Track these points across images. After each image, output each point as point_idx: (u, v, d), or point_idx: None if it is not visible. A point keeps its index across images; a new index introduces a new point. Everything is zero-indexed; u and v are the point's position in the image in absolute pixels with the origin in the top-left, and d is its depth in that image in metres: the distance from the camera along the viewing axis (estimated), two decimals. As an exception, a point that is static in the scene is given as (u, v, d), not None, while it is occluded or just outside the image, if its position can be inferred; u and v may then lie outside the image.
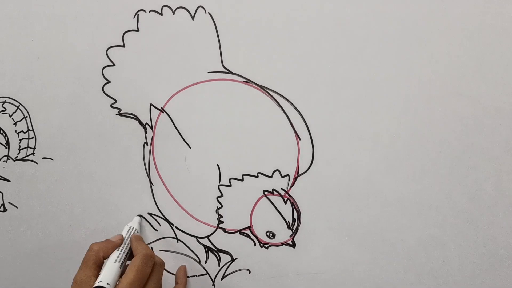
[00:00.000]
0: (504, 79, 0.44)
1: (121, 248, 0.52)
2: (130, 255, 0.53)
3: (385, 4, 0.46)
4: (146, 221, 0.60)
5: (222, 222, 0.57)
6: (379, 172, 0.50)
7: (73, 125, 0.60)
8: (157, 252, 0.61)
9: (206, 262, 0.60)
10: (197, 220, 0.58)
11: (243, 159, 0.54)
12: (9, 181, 0.65)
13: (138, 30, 0.54)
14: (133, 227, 0.57)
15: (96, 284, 0.46)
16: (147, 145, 0.58)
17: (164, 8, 0.52)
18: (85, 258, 0.49)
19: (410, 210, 0.50)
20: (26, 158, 0.63)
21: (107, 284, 0.46)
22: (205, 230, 0.59)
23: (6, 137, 0.63)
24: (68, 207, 0.63)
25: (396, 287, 0.53)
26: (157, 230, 0.60)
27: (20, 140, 0.62)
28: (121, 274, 0.49)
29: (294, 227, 0.55)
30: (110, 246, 0.51)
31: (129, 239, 0.54)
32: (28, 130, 0.62)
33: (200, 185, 0.57)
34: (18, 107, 0.61)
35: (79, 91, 0.58)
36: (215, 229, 0.58)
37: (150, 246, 0.61)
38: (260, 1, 0.49)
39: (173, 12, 0.52)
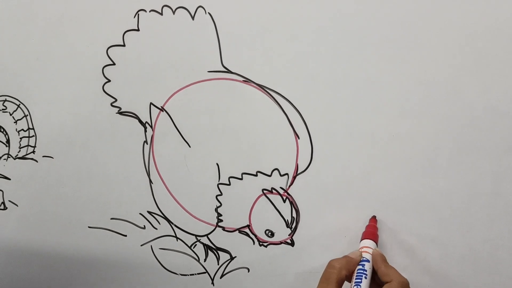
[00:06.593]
0: (503, 79, 0.45)
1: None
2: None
3: (384, 4, 0.46)
4: (145, 220, 0.61)
5: (221, 220, 0.57)
6: (377, 171, 0.50)
7: (73, 124, 0.60)
8: (156, 251, 0.62)
9: (205, 260, 0.60)
10: (196, 218, 0.58)
11: (242, 158, 0.54)
12: (9, 179, 0.65)
13: (138, 30, 0.54)
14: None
15: None
16: (147, 143, 0.58)
17: (164, 8, 0.52)
18: (325, 275, 0.45)
19: (409, 210, 0.50)
20: (26, 156, 0.63)
21: None
22: (204, 229, 0.59)
23: (6, 136, 0.63)
24: (68, 205, 0.63)
25: (394, 286, 0.53)
26: (156, 229, 0.61)
27: (21, 138, 0.62)
28: None
29: (293, 226, 0.55)
30: (352, 263, 0.46)
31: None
32: (29, 128, 0.62)
33: (200, 184, 0.57)
34: (18, 106, 0.61)
35: (79, 89, 0.58)
36: (214, 227, 0.58)
37: (149, 244, 0.62)
38: (260, 1, 0.49)
39: (173, 12, 0.52)
